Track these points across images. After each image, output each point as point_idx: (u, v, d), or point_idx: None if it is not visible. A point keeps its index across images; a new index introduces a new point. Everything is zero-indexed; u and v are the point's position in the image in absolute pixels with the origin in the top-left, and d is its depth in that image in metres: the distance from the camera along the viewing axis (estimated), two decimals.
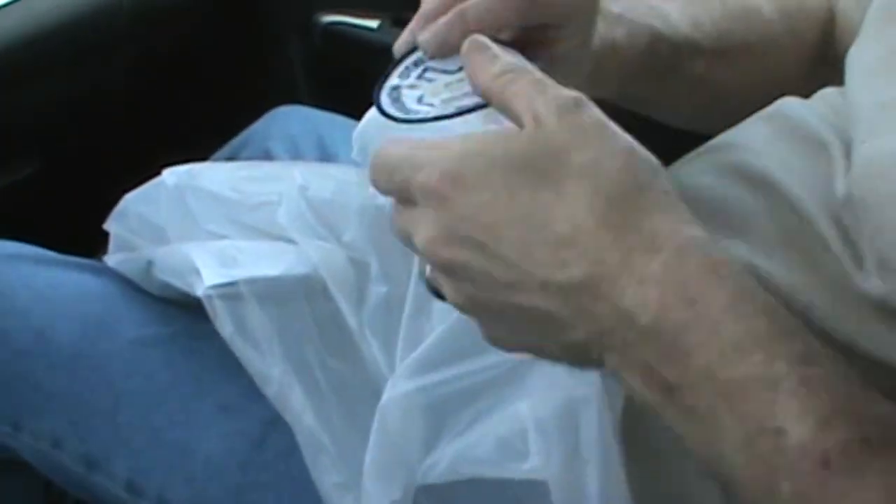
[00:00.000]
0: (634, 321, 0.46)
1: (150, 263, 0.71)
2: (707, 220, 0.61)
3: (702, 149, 0.67)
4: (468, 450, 0.59)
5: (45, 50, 0.98)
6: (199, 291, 0.66)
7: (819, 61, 0.75)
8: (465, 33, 0.54)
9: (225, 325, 0.66)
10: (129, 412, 0.70)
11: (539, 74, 0.51)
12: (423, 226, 0.50)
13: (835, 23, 0.76)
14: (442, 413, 0.60)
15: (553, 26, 0.60)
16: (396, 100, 0.54)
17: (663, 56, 0.68)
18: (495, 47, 0.53)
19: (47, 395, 0.71)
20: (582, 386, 0.57)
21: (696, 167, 0.66)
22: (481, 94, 0.52)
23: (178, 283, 0.69)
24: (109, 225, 0.75)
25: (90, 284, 0.74)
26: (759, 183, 0.61)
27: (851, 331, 0.55)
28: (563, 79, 0.53)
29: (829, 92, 0.68)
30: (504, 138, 0.49)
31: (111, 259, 0.74)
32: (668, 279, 0.45)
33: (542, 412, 0.58)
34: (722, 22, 0.71)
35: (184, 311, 0.71)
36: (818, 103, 0.66)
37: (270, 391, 0.65)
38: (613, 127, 0.49)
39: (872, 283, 0.54)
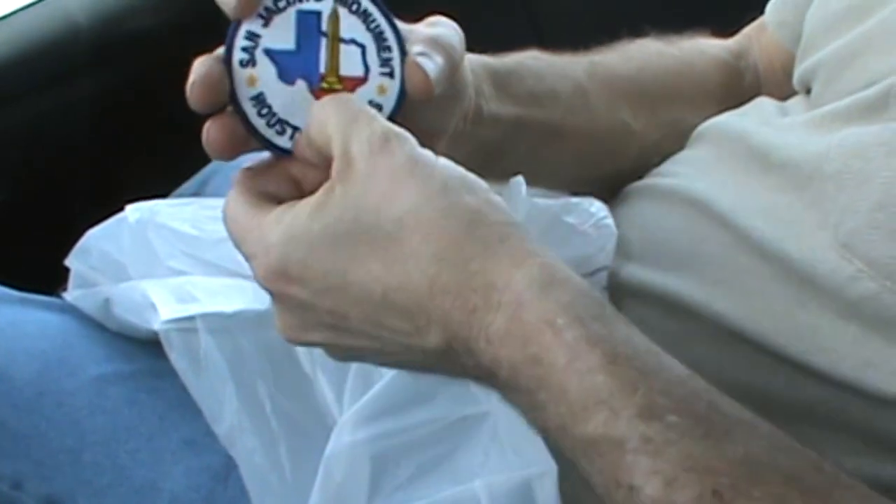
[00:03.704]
0: (496, 376, 0.47)
1: (107, 301, 0.71)
2: (651, 254, 0.62)
3: (647, 178, 0.69)
4: None
5: (0, 82, 0.97)
6: (156, 325, 0.66)
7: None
8: None
9: (180, 360, 0.65)
10: (93, 451, 0.69)
11: (351, 111, 0.50)
12: (276, 314, 0.51)
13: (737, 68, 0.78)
14: (384, 464, 0.60)
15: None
16: (262, 102, 0.53)
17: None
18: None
19: (9, 435, 0.70)
20: (539, 463, 0.57)
21: (640, 197, 0.67)
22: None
23: (135, 319, 0.69)
24: (70, 261, 0.75)
25: (51, 322, 0.74)
26: (699, 208, 0.62)
27: (804, 350, 0.56)
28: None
29: (763, 101, 0.70)
30: (317, 211, 0.48)
31: (69, 295, 0.74)
32: (512, 337, 0.45)
33: (497, 491, 0.58)
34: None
35: (145, 348, 0.70)
36: (753, 112, 0.68)
37: (220, 429, 0.65)
38: (426, 160, 0.49)
39: (860, 287, 0.55)
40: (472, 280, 0.46)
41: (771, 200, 0.60)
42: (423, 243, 0.47)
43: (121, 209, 0.74)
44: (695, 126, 0.71)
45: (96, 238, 0.74)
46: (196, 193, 0.89)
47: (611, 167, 0.71)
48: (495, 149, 0.64)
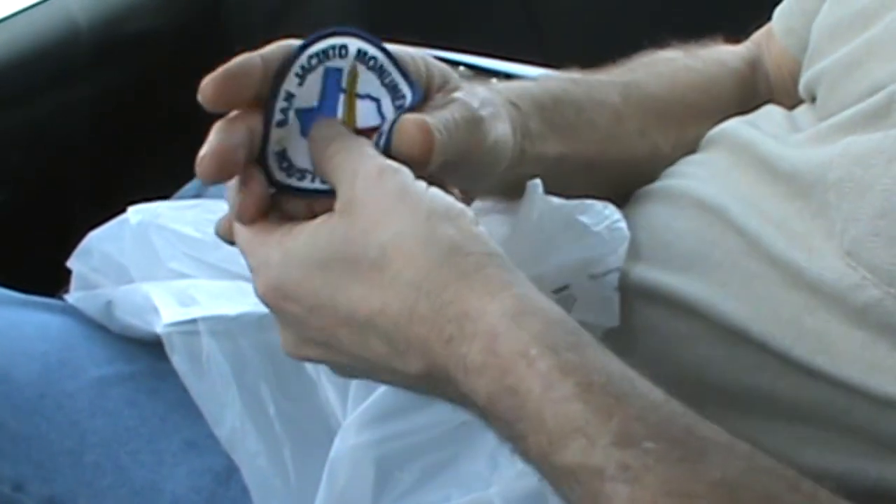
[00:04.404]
0: (476, 404, 0.47)
1: (109, 303, 0.71)
2: (660, 255, 0.62)
3: (657, 182, 0.69)
4: None
5: (1, 83, 0.97)
6: (159, 328, 0.66)
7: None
8: None
9: (182, 363, 0.65)
10: (94, 452, 0.69)
11: (359, 144, 0.52)
12: (279, 328, 0.53)
13: (753, 79, 0.78)
14: (388, 468, 0.60)
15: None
16: (284, 158, 0.54)
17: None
18: (337, 135, 0.53)
19: (10, 436, 0.70)
20: None
21: (651, 199, 0.67)
22: (315, 171, 0.53)
23: (137, 321, 0.69)
24: (72, 263, 0.75)
25: (52, 323, 0.74)
26: (711, 212, 0.62)
27: (810, 353, 0.56)
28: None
29: (772, 109, 0.70)
30: (312, 236, 0.50)
31: (71, 297, 0.74)
32: (488, 368, 0.46)
33: (511, 497, 0.58)
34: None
35: (146, 350, 0.70)
36: (762, 121, 0.68)
37: (221, 432, 0.65)
38: (415, 190, 0.50)
39: (865, 294, 0.55)
40: (447, 309, 0.47)
41: (781, 209, 0.60)
42: (403, 270, 0.48)
43: (122, 210, 0.74)
44: None
45: (98, 240, 0.74)
46: (197, 195, 0.89)
47: (639, 187, 0.71)
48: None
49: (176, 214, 0.73)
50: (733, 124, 0.69)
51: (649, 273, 0.63)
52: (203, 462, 0.68)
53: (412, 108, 0.54)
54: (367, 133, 0.54)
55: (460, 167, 0.54)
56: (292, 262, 0.50)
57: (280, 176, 0.53)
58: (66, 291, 0.75)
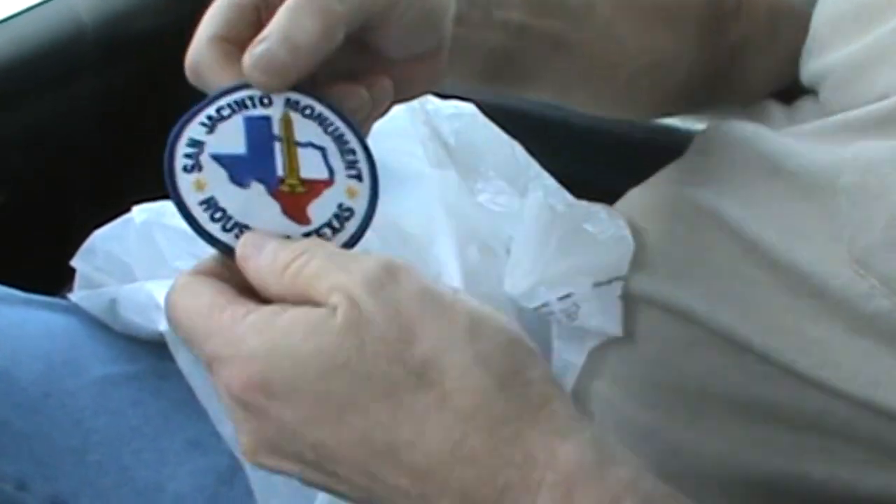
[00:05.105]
0: None
1: (113, 301, 0.71)
2: (658, 262, 0.62)
3: (654, 179, 0.68)
4: None
5: (4, 80, 0.97)
6: (162, 327, 0.66)
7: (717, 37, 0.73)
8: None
9: (186, 361, 0.65)
10: (97, 451, 0.69)
11: (332, 249, 0.44)
12: (239, 427, 0.42)
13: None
14: None
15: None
16: (214, 206, 0.46)
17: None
18: (272, 240, 0.44)
19: (13, 435, 0.70)
20: None
21: (649, 204, 0.67)
22: (273, 299, 0.43)
23: (141, 320, 0.69)
24: (76, 262, 0.75)
25: (56, 322, 0.74)
26: (708, 216, 0.62)
27: (813, 365, 0.55)
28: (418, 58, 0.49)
29: (770, 106, 0.70)
30: (313, 330, 0.40)
31: (75, 296, 0.74)
32: None
33: None
34: None
35: (149, 349, 0.71)
36: (761, 116, 0.68)
37: (226, 430, 0.65)
38: (442, 290, 0.40)
39: (873, 304, 0.54)
40: (506, 450, 0.38)
41: (781, 208, 0.59)
42: (448, 397, 0.39)
43: (126, 210, 0.74)
44: (666, 64, 0.70)
45: (102, 239, 0.74)
46: None
47: (606, 87, 0.69)
48: (503, 55, 0.60)
49: None
50: (728, 121, 0.68)
51: (647, 280, 0.62)
52: (206, 461, 0.68)
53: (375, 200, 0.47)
54: (314, 186, 0.47)
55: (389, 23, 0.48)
56: (283, 355, 0.40)
57: (212, 228, 0.46)
58: (70, 291, 0.75)
